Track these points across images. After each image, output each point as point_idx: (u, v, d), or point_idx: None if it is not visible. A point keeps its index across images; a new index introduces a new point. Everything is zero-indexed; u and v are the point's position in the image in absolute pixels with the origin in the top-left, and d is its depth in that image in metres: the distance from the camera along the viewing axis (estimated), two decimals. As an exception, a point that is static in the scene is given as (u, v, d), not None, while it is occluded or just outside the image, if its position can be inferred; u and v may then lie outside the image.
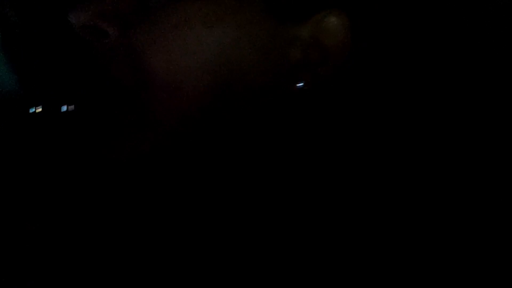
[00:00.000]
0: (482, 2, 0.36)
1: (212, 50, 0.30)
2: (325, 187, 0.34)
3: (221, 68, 0.31)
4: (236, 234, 0.33)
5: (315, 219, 0.33)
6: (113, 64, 0.32)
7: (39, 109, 0.37)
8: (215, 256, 0.33)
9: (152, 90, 0.31)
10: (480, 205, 0.33)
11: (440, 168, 0.34)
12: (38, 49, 0.38)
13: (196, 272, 0.33)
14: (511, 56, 0.36)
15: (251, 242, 0.33)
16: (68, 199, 0.36)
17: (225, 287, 0.33)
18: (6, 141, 0.37)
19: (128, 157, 0.32)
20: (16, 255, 0.35)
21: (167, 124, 0.32)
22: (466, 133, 0.36)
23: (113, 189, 0.35)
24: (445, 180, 0.34)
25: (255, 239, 0.33)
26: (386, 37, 0.35)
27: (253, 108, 0.33)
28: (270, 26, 0.31)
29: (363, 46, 0.34)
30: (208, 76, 0.30)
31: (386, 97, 0.36)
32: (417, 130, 0.36)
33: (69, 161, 0.36)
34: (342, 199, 0.34)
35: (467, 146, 0.35)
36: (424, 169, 0.34)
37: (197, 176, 0.35)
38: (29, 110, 0.37)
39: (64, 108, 0.35)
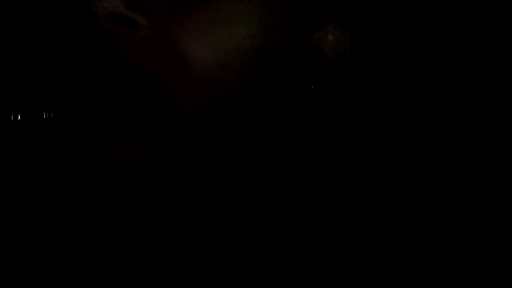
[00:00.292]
0: (481, 6, 0.37)
1: (245, 46, 0.31)
2: (330, 186, 0.35)
3: (248, 63, 0.31)
4: (244, 230, 0.34)
5: (319, 218, 0.34)
6: (145, 56, 0.30)
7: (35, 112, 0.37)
8: (220, 254, 0.33)
9: (185, 82, 0.30)
10: (480, 205, 0.34)
11: (440, 168, 0.35)
12: (28, 50, 0.38)
13: (201, 269, 0.33)
14: (509, 56, 0.37)
15: (257, 238, 0.34)
16: (72, 197, 0.36)
17: (225, 287, 0.33)
18: (6, 141, 0.37)
19: (151, 148, 0.32)
20: (15, 257, 0.35)
21: (194, 114, 0.31)
22: (467, 136, 0.36)
23: (114, 189, 0.35)
24: (446, 180, 0.34)
25: (264, 234, 0.34)
26: (386, 44, 0.36)
27: (263, 106, 0.34)
28: (290, 30, 0.33)
29: (364, 53, 0.35)
30: (239, 72, 0.31)
31: (386, 98, 0.36)
32: (417, 130, 0.36)
33: (71, 161, 0.36)
34: (345, 198, 0.34)
35: (468, 147, 0.35)
36: (424, 169, 0.35)
37: (207, 172, 0.35)
38: (27, 112, 0.37)
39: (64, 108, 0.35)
